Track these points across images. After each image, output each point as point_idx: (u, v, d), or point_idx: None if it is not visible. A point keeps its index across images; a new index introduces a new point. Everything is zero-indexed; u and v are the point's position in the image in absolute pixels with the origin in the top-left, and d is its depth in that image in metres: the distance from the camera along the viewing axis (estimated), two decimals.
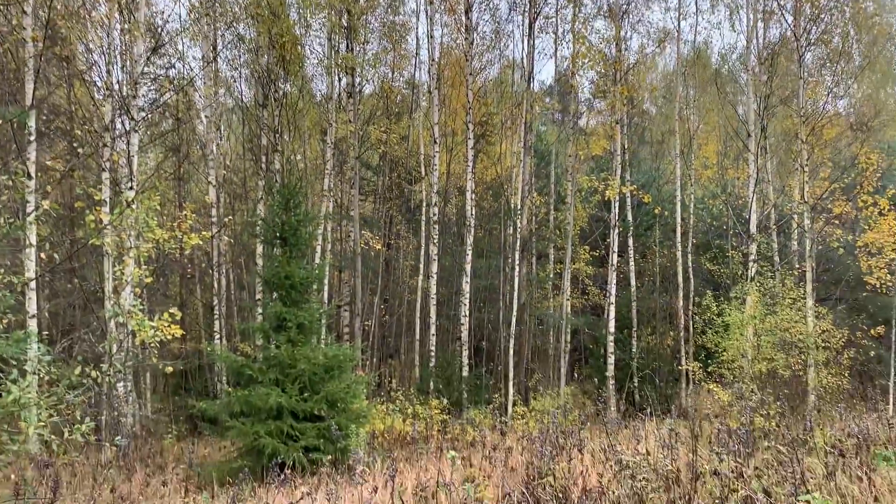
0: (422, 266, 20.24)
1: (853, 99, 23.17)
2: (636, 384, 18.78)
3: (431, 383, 16.94)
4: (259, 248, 17.34)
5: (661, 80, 29.55)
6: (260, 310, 15.71)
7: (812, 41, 15.78)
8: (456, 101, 22.07)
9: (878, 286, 15.63)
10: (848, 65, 17.66)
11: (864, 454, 8.31)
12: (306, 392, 9.96)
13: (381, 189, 23.72)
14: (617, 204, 18.49)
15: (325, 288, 17.04)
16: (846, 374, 15.51)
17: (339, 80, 18.78)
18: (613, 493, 6.32)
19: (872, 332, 16.64)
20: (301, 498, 6.48)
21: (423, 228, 20.35)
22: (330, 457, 9.06)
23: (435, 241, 18.33)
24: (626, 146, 21.17)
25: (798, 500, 5.89)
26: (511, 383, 17.41)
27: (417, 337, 19.98)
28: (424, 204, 20.11)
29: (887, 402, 15.57)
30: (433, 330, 17.79)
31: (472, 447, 11.42)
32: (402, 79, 24.58)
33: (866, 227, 16.08)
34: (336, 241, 20.91)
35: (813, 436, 10.03)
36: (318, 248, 17.11)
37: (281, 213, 10.71)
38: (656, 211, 22.03)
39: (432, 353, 17.61)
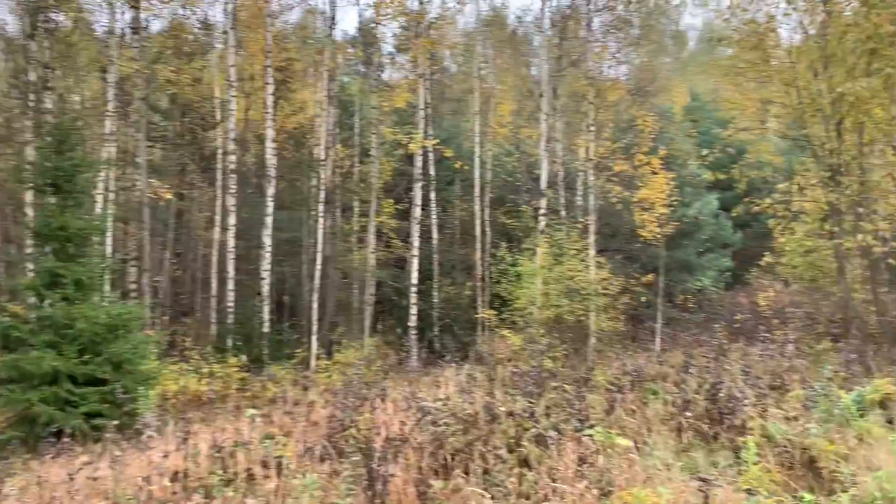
0: (218, 218, 19.18)
1: (633, 66, 25.18)
2: (437, 333, 19.39)
3: (230, 341, 16.29)
4: (28, 197, 15.42)
5: (461, 38, 30.10)
6: (31, 265, 14.07)
7: (600, 7, 16.85)
8: (254, 45, 20.91)
9: (649, 238, 17.28)
10: (629, 33, 19.12)
11: (638, 389, 9.24)
12: (87, 354, 9.11)
13: (172, 135, 22.01)
14: (420, 158, 18.70)
15: (108, 241, 15.59)
16: (622, 318, 17.15)
17: (122, 13, 17.04)
18: (415, 439, 6.46)
19: (644, 279, 18.39)
20: (80, 468, 5.93)
21: (219, 178, 19.26)
22: (116, 422, 8.39)
23: (233, 191, 17.44)
24: (428, 101, 21.40)
25: (583, 434, 6.40)
26: (314, 337, 17.22)
27: (214, 293, 19.03)
28: (221, 152, 19.01)
29: (654, 343, 17.41)
30: (231, 285, 17.05)
31: (273, 404, 11.16)
32: (195, 17, 22.79)
33: (641, 185, 17.65)
34: (121, 190, 19.16)
35: (594, 375, 10.99)
36: (100, 198, 15.57)
37: (53, 157, 9.58)
38: (457, 166, 22.62)
39: (230, 310, 16.90)
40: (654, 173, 17.21)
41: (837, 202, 12.36)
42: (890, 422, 5.95)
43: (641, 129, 17.58)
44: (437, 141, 20.88)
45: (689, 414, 6.81)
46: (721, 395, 6.80)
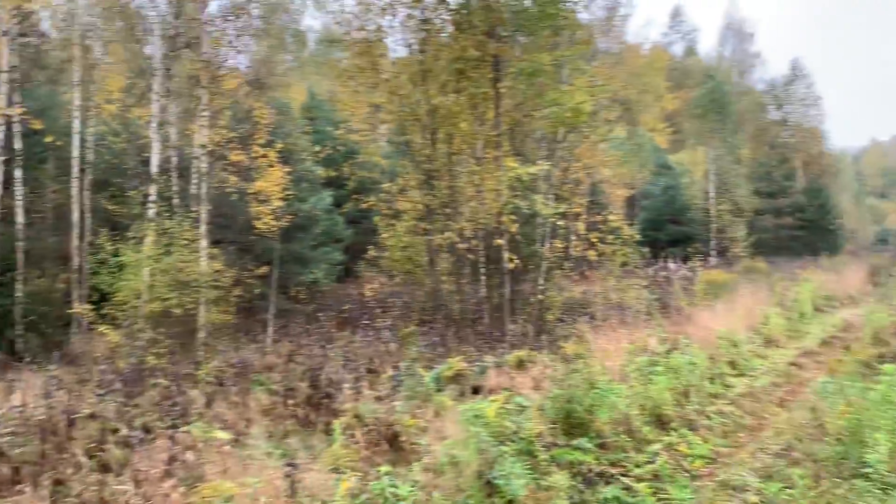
0: None
1: (254, 57, 24.96)
2: (20, 332, 16.78)
3: None
4: None
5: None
6: None
7: None
8: None
9: (265, 230, 17.29)
10: (249, 23, 18.83)
11: (244, 381, 9.13)
12: None
13: None
14: (2, 129, 15.94)
15: None
16: (234, 311, 16.84)
17: None
18: None
19: (258, 271, 18.33)
20: None
21: None
22: None
23: None
24: (15, 64, 18.38)
25: (179, 431, 6.07)
26: None
27: None
28: None
29: (267, 335, 17.47)
30: None
31: None
32: None
33: (258, 177, 17.56)
34: None
35: (200, 369, 10.58)
36: None
37: None
38: (50, 140, 19.82)
39: None
40: (271, 166, 17.27)
41: (431, 203, 13.83)
42: (462, 394, 6.82)
43: (258, 120, 17.48)
44: (25, 111, 18.05)
45: (291, 402, 6.93)
46: (322, 381, 7.05)
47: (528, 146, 16.28)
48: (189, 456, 4.87)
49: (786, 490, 4.44)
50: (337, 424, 5.07)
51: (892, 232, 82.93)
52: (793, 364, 12.20)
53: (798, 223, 42.09)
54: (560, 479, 5.15)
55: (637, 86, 62.42)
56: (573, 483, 5.30)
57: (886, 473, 5.00)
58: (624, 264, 16.62)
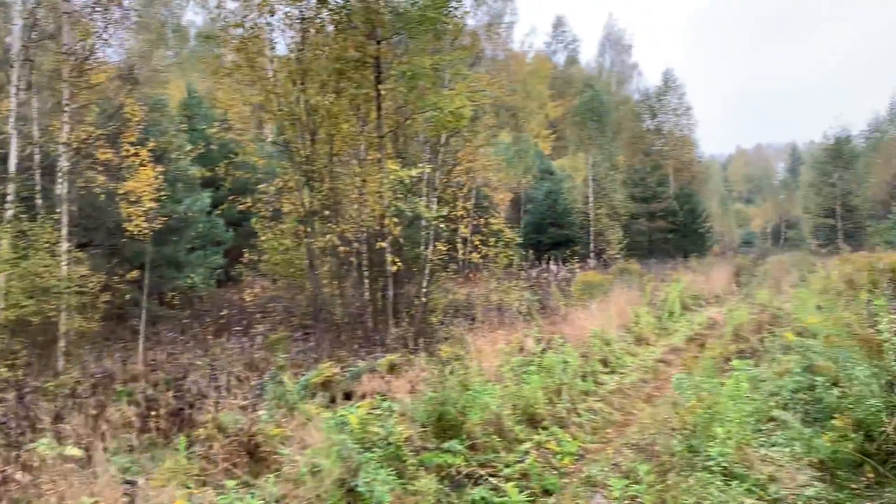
0: None
1: (129, 51, 23.68)
2: None
3: None
4: None
5: None
6: None
7: None
8: None
9: (136, 233, 16.40)
10: (119, 15, 17.83)
11: (106, 392, 8.59)
12: None
13: None
14: None
15: None
16: (102, 318, 15.86)
17: None
18: None
19: (129, 276, 17.38)
20: None
21: None
22: None
23: None
24: None
25: (23, 449, 5.60)
26: None
27: None
28: None
29: (138, 343, 16.59)
30: None
31: None
32: None
33: (128, 176, 16.64)
34: None
35: (58, 381, 9.88)
36: None
37: None
38: None
39: None
40: (143, 165, 16.42)
41: (311, 205, 13.57)
42: (333, 401, 6.68)
43: (129, 117, 16.59)
44: None
45: (153, 413, 6.57)
46: (186, 391, 6.72)
47: (412, 149, 16.31)
48: (22, 476, 4.49)
49: (632, 486, 4.58)
50: (182, 438, 4.82)
51: (756, 235, 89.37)
52: (660, 360, 12.82)
53: (670, 226, 44.50)
54: (427, 482, 5.13)
55: (522, 93, 64.27)
56: (441, 486, 5.29)
57: (728, 465, 5.30)
58: (506, 266, 16.95)
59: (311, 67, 13.13)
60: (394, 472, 5.19)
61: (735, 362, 6.02)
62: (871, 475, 5.23)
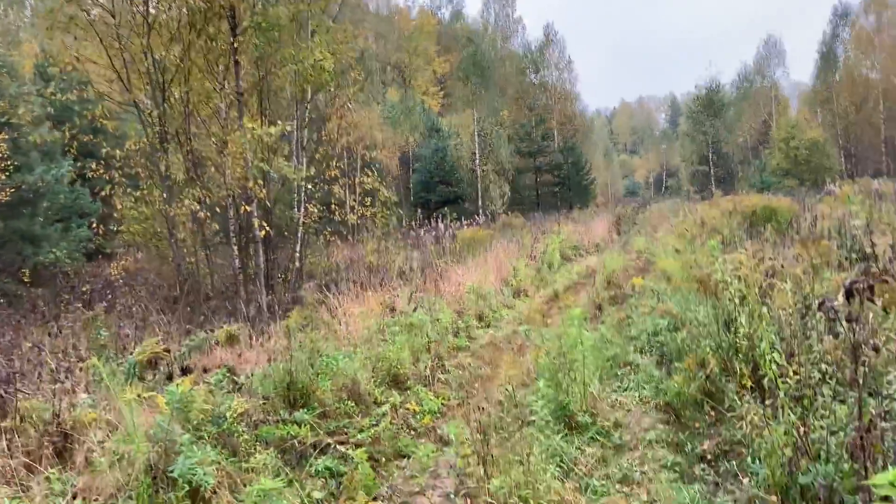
0: None
1: None
2: None
3: None
4: None
5: None
6: None
7: None
8: None
9: None
10: None
11: None
12: None
13: None
14: None
15: None
16: None
17: None
18: None
19: None
20: None
21: None
22: None
23: None
24: None
25: None
26: None
27: None
28: None
29: None
30: None
31: None
32: None
33: None
34: None
35: None
36: None
37: None
38: None
39: None
40: None
41: (167, 170, 12.69)
42: (170, 378, 6.21)
43: None
44: None
45: None
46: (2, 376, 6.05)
47: (278, 107, 15.57)
48: None
49: (477, 440, 4.44)
50: None
51: (640, 184, 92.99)
52: (537, 311, 12.94)
53: (556, 180, 45.44)
54: (265, 458, 4.80)
55: (408, 49, 63.34)
56: (282, 460, 4.99)
57: (576, 413, 5.27)
58: (387, 227, 16.63)
59: (157, 19, 12.14)
60: (226, 450, 4.84)
61: (575, 311, 5.95)
62: (711, 414, 5.33)
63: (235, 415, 5.03)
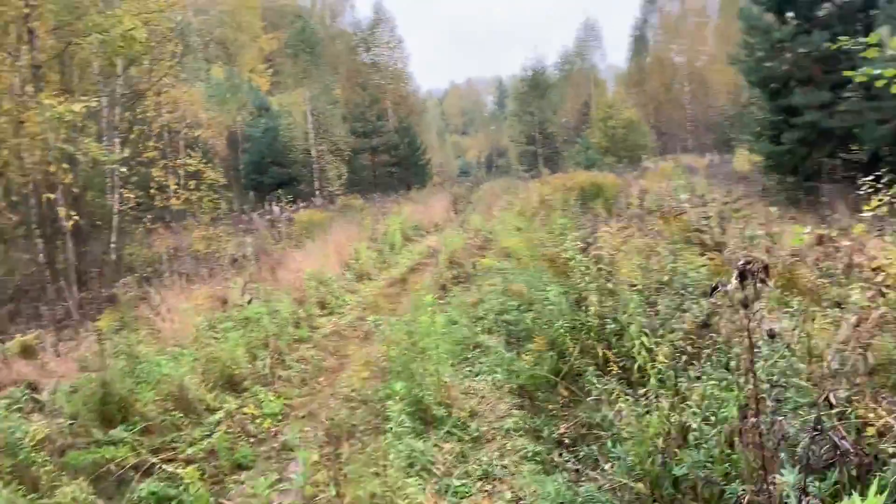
0: None
1: None
2: None
3: None
4: None
5: None
6: None
7: None
8: None
9: None
10: None
11: None
12: None
13: None
14: None
15: None
16: None
17: None
18: None
19: None
20: None
21: None
22: None
23: None
24: None
25: None
26: None
27: None
28: None
29: None
30: None
31: None
32: None
33: None
34: None
35: None
36: None
37: None
38: None
39: None
40: None
41: None
42: None
43: None
44: None
45: None
46: None
47: (86, 82, 13.98)
48: None
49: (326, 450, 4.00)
50: None
51: (472, 164, 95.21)
52: (381, 294, 12.56)
53: (392, 160, 45.18)
54: (74, 490, 4.06)
55: (232, 24, 60.11)
56: (95, 490, 4.26)
57: (431, 406, 4.96)
58: (214, 210, 15.50)
59: None
60: (24, 486, 4.04)
61: (429, 297, 5.65)
62: (565, 395, 5.22)
63: (35, 441, 4.22)
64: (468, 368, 6.26)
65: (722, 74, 49.61)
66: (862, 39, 4.40)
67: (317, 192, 36.93)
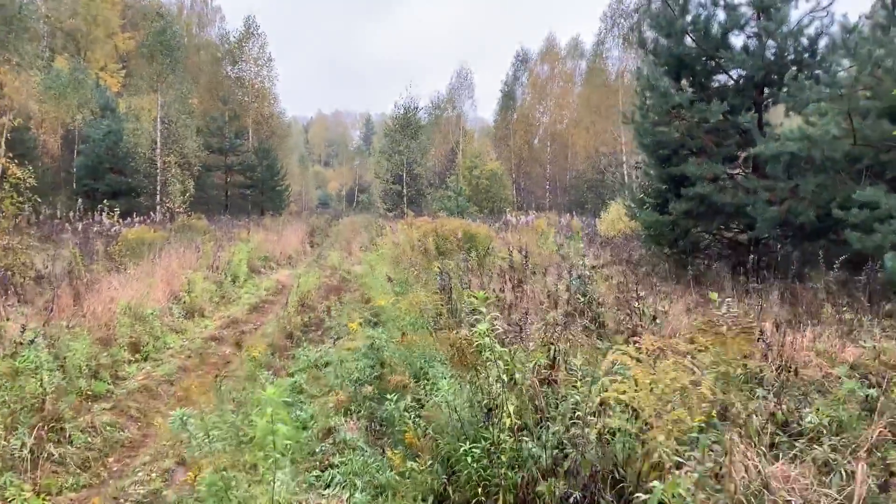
0: None
1: None
2: None
3: None
4: None
5: None
6: None
7: None
8: None
9: None
10: None
11: None
12: None
13: None
14: None
15: None
16: None
17: None
18: None
19: None
20: None
21: None
22: None
23: None
24: None
25: None
26: None
27: None
28: None
29: None
30: None
31: None
32: None
33: None
34: None
35: None
36: None
37: None
38: None
39: None
40: None
41: None
42: None
43: None
44: None
45: None
46: None
47: None
48: None
49: None
50: None
51: (333, 196, 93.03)
52: (213, 338, 10.55)
53: (247, 182, 42.37)
54: None
55: (86, 16, 55.07)
56: None
57: None
58: (16, 215, 12.76)
59: None
60: None
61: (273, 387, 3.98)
62: None
63: None
64: (316, 473, 4.59)
65: (582, 139, 51.29)
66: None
67: (157, 207, 33.54)
